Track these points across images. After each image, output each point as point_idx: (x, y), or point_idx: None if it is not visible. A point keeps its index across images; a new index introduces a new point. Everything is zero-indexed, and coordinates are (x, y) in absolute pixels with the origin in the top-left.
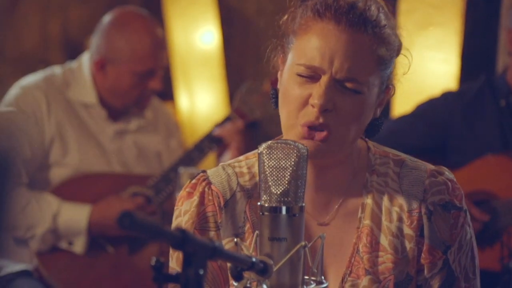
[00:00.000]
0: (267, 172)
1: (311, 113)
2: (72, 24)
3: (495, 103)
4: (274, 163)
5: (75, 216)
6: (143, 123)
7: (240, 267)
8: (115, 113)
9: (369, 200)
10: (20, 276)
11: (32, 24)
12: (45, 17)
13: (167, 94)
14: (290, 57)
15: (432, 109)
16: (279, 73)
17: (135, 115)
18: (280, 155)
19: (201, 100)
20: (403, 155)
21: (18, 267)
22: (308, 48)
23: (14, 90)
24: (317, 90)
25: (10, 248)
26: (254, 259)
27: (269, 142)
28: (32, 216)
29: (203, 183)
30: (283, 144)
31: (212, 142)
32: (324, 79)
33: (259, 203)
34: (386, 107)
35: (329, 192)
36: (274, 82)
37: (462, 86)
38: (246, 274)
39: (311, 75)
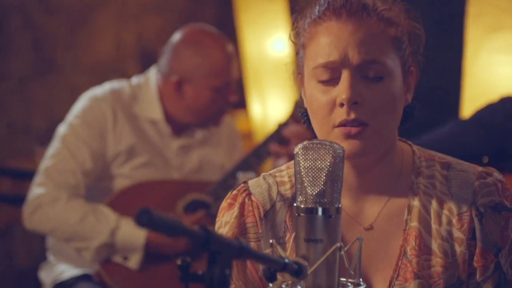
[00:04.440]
0: (302, 173)
1: (341, 113)
2: (147, 34)
3: None
4: (310, 163)
5: (134, 232)
6: (207, 135)
7: (273, 268)
8: (179, 129)
9: (416, 202)
10: (81, 280)
11: (107, 34)
12: (120, 27)
13: (240, 102)
14: (305, 69)
15: (490, 114)
16: (301, 92)
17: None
18: (316, 155)
19: (273, 107)
20: (449, 158)
21: (78, 271)
22: (319, 49)
23: (81, 102)
24: (341, 87)
25: (70, 253)
26: (287, 260)
27: (305, 142)
28: (88, 229)
29: (243, 194)
30: (318, 145)
31: (279, 141)
32: (345, 73)
33: (295, 204)
34: (455, 112)
35: (373, 194)
36: (301, 104)
37: None
38: (280, 276)
39: (331, 76)
